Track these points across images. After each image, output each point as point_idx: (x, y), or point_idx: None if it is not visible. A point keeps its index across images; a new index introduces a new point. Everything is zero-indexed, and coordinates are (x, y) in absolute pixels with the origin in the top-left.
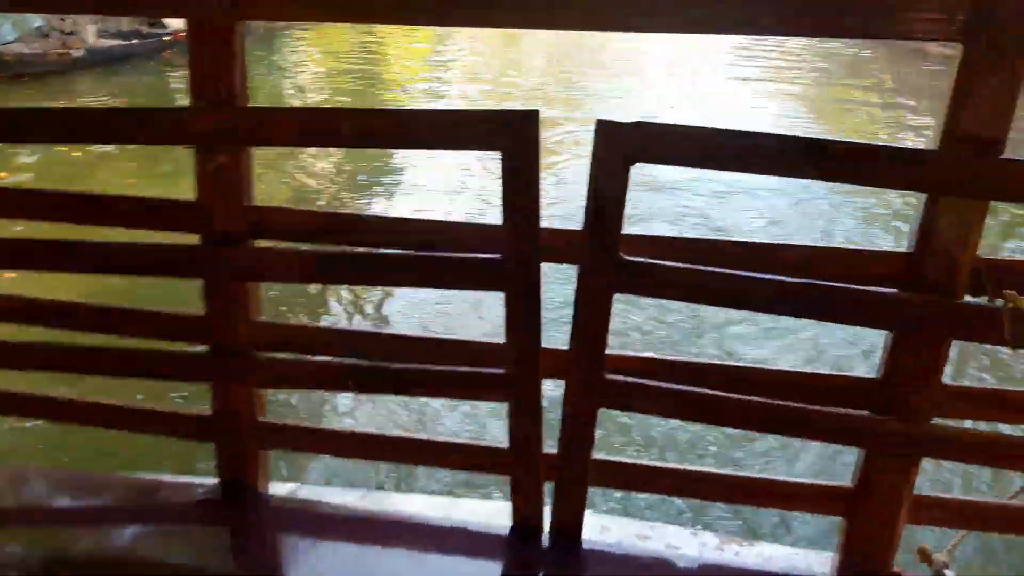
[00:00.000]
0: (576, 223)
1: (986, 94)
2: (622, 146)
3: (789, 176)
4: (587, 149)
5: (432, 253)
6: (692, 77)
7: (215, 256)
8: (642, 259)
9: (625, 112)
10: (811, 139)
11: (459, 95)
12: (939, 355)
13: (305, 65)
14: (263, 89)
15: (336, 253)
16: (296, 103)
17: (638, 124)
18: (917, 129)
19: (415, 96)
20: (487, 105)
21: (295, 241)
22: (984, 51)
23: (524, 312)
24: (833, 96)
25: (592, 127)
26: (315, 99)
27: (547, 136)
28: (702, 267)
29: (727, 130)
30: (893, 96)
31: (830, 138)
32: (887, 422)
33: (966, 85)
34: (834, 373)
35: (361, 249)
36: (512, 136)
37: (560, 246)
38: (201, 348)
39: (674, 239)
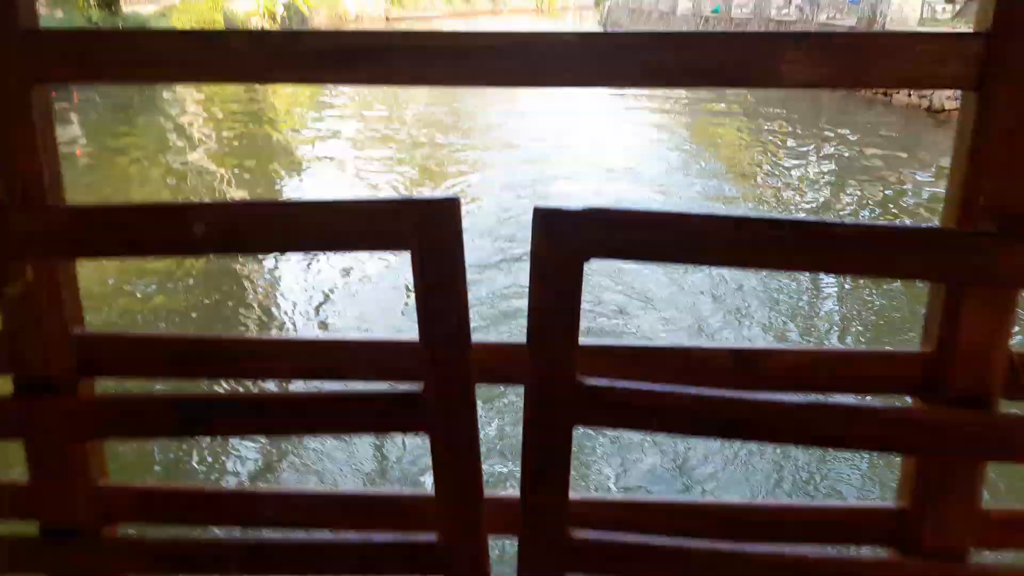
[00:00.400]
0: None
1: (1012, 157)
2: (571, 240)
3: (785, 270)
4: (483, 178)
5: (330, 390)
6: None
7: (32, 409)
8: (605, 382)
9: (521, 138)
10: (810, 223)
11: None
12: (974, 479)
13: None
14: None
15: (200, 397)
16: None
17: (590, 212)
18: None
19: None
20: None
21: (144, 378)
22: (1004, 105)
23: (455, 461)
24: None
25: (492, 151)
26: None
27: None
28: (682, 389)
29: (709, 216)
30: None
31: (830, 220)
32: (913, 564)
33: (985, 146)
34: (845, 505)
35: (233, 388)
36: (428, 231)
37: (496, 365)
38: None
39: (639, 350)
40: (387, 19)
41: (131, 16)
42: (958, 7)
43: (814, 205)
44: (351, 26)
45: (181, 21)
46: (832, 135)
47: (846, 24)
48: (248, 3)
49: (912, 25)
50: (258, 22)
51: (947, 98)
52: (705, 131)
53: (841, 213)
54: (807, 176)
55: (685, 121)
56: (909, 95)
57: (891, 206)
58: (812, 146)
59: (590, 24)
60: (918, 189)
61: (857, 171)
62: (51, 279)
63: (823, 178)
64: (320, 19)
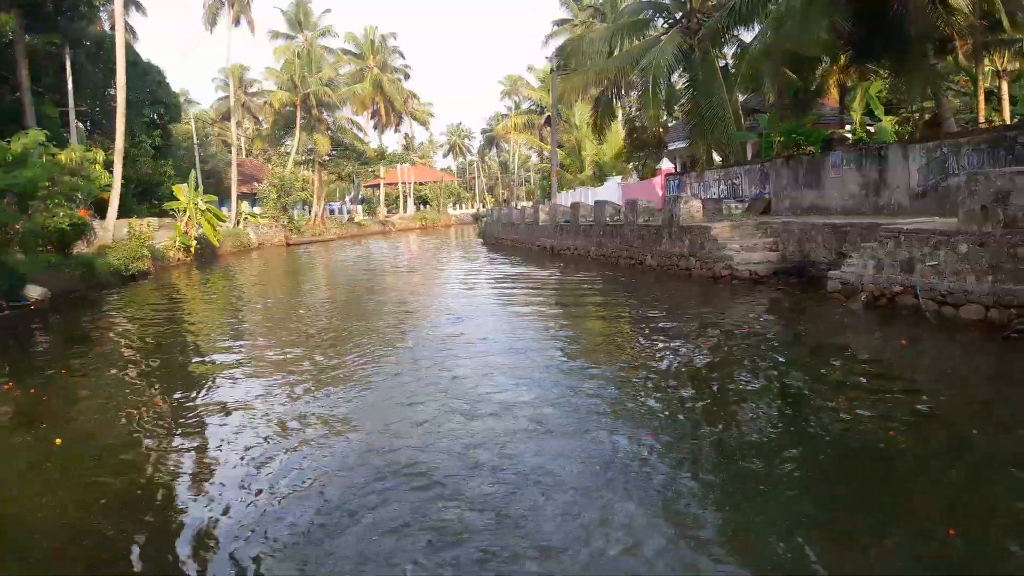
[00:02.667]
0: None
1: None
2: None
3: None
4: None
5: None
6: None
7: None
8: None
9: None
10: None
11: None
12: None
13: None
14: None
15: None
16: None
17: None
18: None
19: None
20: None
21: None
22: None
23: None
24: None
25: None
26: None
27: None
28: None
29: None
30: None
31: None
32: None
33: None
34: None
35: None
36: None
37: None
38: None
39: None
40: (288, 244)
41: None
42: (746, 204)
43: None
44: (253, 253)
45: (117, 259)
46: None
47: (655, 223)
48: (163, 239)
49: (700, 219)
50: (173, 255)
51: None
52: None
53: None
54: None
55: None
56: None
57: None
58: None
59: (470, 237)
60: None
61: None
62: None
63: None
64: (227, 246)
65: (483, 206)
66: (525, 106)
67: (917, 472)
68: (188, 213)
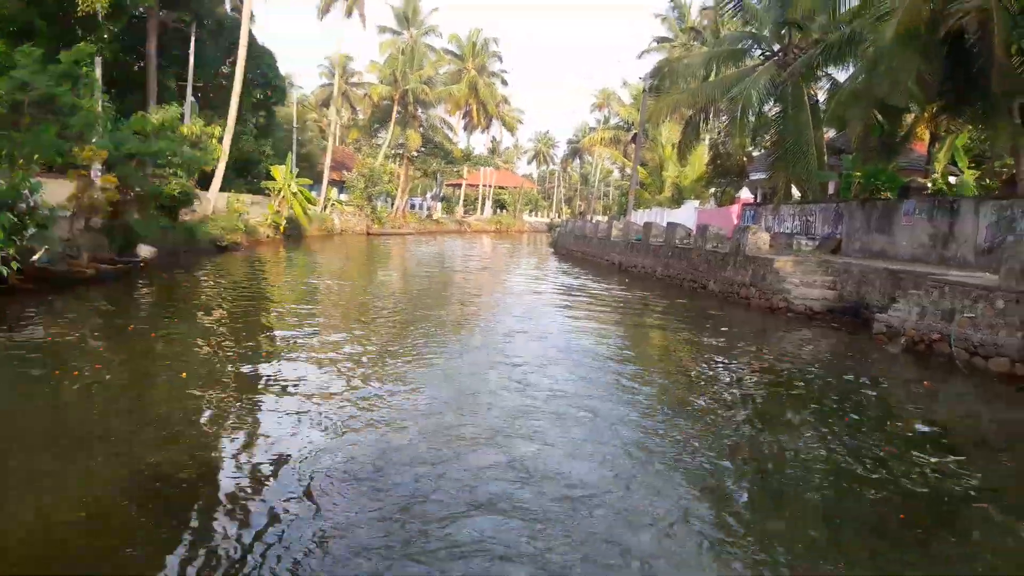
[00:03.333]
0: None
1: None
2: None
3: None
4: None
5: None
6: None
7: None
8: None
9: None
10: None
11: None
12: None
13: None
14: None
15: None
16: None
17: None
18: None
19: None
20: None
21: None
22: None
23: None
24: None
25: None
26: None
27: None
28: None
29: None
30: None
31: None
32: None
33: None
34: None
35: None
36: None
37: None
38: None
39: None
40: (368, 233)
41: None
42: (817, 243)
43: None
44: (335, 238)
45: (216, 229)
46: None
47: (722, 250)
48: (256, 215)
49: (765, 251)
50: (264, 231)
51: None
52: None
53: None
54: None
55: None
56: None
57: None
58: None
59: (542, 245)
60: None
61: None
62: None
63: None
64: (312, 229)
65: (559, 216)
66: (613, 121)
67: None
68: (282, 194)
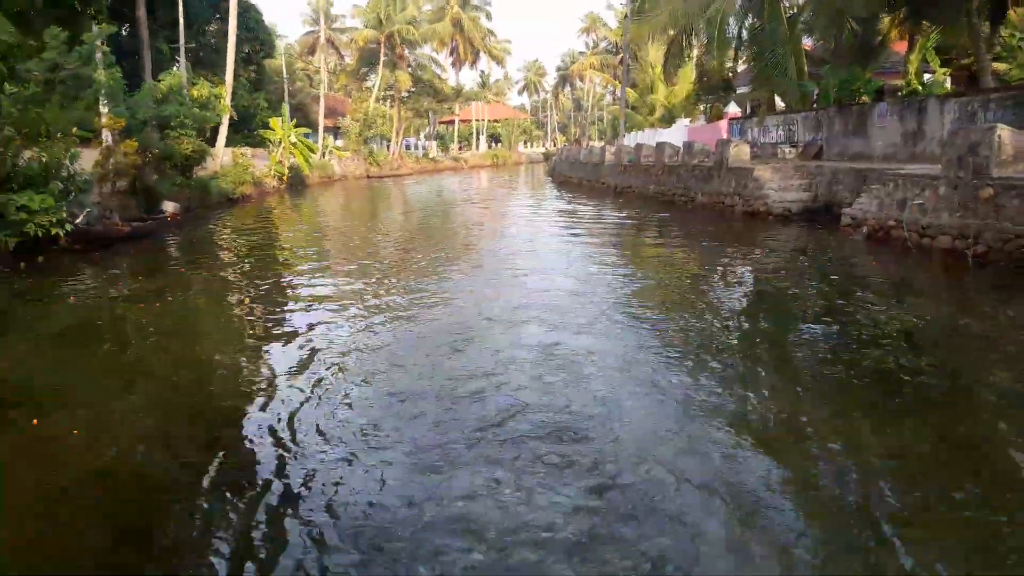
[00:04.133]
0: None
1: None
2: None
3: None
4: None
5: None
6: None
7: None
8: None
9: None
10: None
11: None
12: None
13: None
14: None
15: None
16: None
17: None
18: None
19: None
20: None
21: None
22: None
23: None
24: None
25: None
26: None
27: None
28: None
29: None
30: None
31: None
32: None
33: None
34: None
35: None
36: None
37: None
38: None
39: None
40: (368, 177)
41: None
42: (800, 149)
43: None
44: (336, 184)
45: (226, 183)
46: None
47: (707, 164)
48: (259, 167)
49: (746, 162)
50: (269, 182)
51: None
52: None
53: None
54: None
55: None
56: None
57: None
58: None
59: (540, 174)
60: None
61: None
62: None
63: None
64: (314, 176)
65: (554, 145)
66: (602, 45)
67: (832, 337)
68: (283, 145)
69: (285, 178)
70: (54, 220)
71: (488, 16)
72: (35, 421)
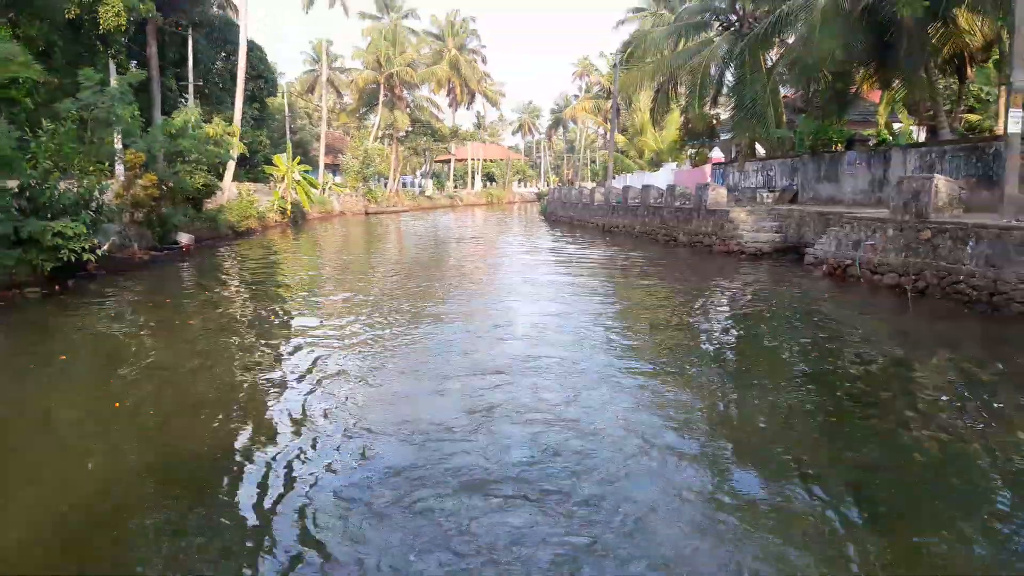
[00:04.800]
0: None
1: None
2: None
3: None
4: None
5: None
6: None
7: None
8: None
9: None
10: None
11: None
12: None
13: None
14: None
15: None
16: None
17: None
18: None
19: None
20: None
21: None
22: None
23: None
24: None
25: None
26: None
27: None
28: None
29: None
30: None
31: None
32: None
33: None
34: None
35: None
36: None
37: None
38: None
39: None
40: (366, 213)
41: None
42: (777, 194)
43: None
44: (336, 219)
45: (233, 217)
46: None
47: (688, 206)
48: (263, 202)
49: (723, 204)
50: (272, 216)
51: None
52: None
53: None
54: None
55: None
56: None
57: None
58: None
59: (532, 213)
60: None
61: None
62: None
63: None
64: (314, 212)
65: (547, 185)
66: (595, 90)
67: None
68: (286, 181)
69: (288, 213)
70: (86, 247)
71: (484, 60)
72: (116, 404)
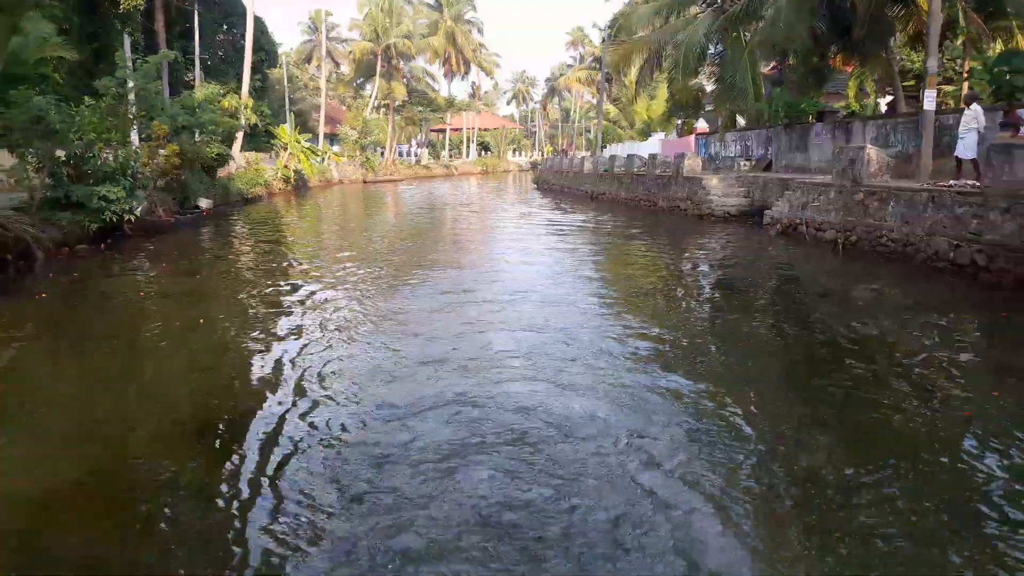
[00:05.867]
0: None
1: None
2: None
3: None
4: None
5: None
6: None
7: None
8: None
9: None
10: None
11: None
12: None
13: None
14: None
15: None
16: None
17: None
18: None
19: None
20: None
21: None
22: None
23: None
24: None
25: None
26: None
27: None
28: None
29: None
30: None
31: None
32: None
33: None
34: None
35: None
36: None
37: None
38: None
39: None
40: (364, 182)
41: None
42: (753, 163)
43: None
44: (335, 187)
45: (242, 184)
46: None
47: (667, 173)
48: (268, 170)
49: (698, 172)
50: (276, 184)
51: None
52: None
53: None
54: None
55: None
56: None
57: None
58: None
59: (526, 182)
60: None
61: None
62: None
63: None
64: (314, 180)
65: (542, 154)
66: (588, 60)
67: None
68: (289, 150)
69: (291, 181)
70: (126, 208)
71: (480, 30)
72: (200, 320)
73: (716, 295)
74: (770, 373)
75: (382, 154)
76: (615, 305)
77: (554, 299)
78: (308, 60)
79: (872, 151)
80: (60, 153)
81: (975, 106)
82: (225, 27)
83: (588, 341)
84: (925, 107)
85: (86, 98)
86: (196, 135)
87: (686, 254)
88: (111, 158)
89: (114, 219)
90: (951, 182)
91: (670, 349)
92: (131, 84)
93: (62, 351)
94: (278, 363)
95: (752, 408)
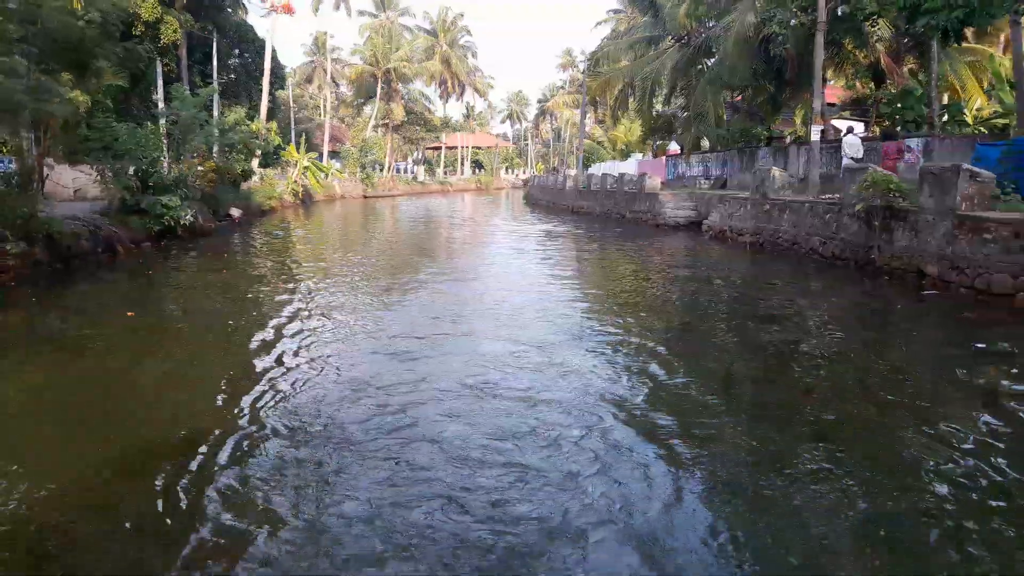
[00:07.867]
0: None
1: None
2: None
3: None
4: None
5: None
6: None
7: None
8: None
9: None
10: None
11: None
12: None
13: None
14: None
15: None
16: None
17: None
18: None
19: None
20: None
21: None
22: None
23: None
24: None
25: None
26: None
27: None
28: None
29: None
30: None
31: None
32: None
33: None
34: None
35: None
36: None
37: None
38: None
39: None
40: (364, 197)
41: None
42: (711, 182)
43: None
44: (338, 201)
45: (260, 197)
46: None
47: (634, 190)
48: (279, 186)
49: (657, 189)
50: (287, 198)
51: None
52: None
53: None
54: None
55: None
56: None
57: None
58: None
59: (517, 199)
60: None
61: None
62: None
63: None
64: (319, 195)
65: (534, 172)
66: (577, 84)
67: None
68: (299, 167)
69: (300, 195)
70: (181, 215)
71: (474, 54)
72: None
73: (651, 276)
74: (679, 324)
75: (381, 171)
76: (570, 279)
77: (524, 274)
78: (309, 80)
79: (776, 171)
80: (130, 168)
81: (849, 136)
82: (237, 51)
83: (537, 298)
84: (812, 138)
85: (148, 123)
86: (227, 152)
87: (638, 252)
88: (168, 173)
89: (171, 223)
90: (825, 195)
91: (602, 305)
92: (183, 112)
93: (189, 302)
94: (314, 330)
95: (660, 348)
